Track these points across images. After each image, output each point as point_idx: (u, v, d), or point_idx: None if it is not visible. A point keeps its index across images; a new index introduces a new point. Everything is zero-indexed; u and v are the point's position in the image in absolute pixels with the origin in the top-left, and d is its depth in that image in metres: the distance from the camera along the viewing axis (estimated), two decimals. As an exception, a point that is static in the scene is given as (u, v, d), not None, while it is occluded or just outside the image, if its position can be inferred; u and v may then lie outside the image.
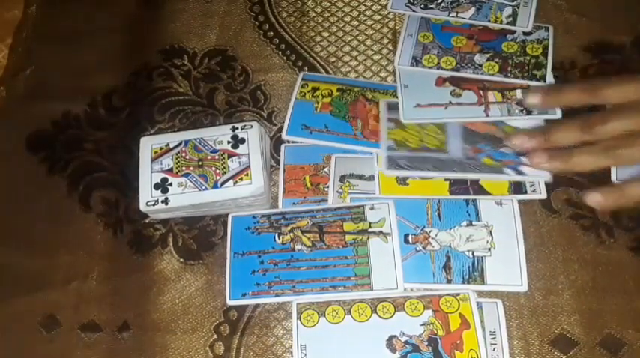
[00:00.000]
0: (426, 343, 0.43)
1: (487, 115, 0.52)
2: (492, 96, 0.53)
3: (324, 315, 0.45)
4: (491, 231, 0.48)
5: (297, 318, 0.45)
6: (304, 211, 0.50)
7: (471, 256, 0.47)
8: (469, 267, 0.47)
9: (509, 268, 0.47)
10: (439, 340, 0.43)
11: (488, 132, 0.52)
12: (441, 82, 0.55)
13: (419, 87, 0.54)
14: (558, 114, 0.51)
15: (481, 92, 0.54)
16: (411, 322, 0.44)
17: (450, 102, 0.53)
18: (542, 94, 0.51)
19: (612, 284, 0.46)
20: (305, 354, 0.44)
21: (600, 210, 0.48)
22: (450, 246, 0.48)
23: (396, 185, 0.51)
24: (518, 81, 0.54)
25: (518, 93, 0.53)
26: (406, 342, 0.43)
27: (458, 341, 0.43)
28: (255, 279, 0.47)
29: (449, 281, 0.46)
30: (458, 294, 0.45)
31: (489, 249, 0.47)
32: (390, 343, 0.44)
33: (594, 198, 0.47)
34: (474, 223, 0.49)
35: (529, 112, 0.52)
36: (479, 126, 0.52)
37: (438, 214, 0.49)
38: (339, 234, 0.48)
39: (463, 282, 0.46)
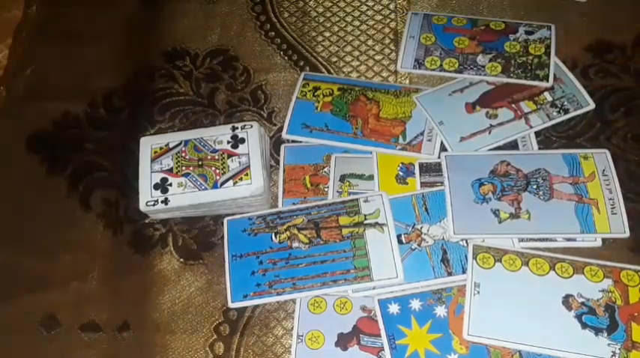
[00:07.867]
0: (603, 308, 0.44)
1: (530, 126, 0.52)
2: (525, 106, 0.53)
3: (501, 261, 0.46)
4: None
5: (473, 258, 0.46)
6: (299, 209, 0.50)
7: (465, 245, 0.47)
8: (466, 256, 0.46)
9: None
10: (616, 308, 0.44)
11: None
12: (470, 108, 0.53)
13: (453, 120, 0.53)
14: (592, 105, 0.52)
15: (514, 106, 0.53)
16: (590, 286, 0.45)
17: (491, 126, 0.52)
18: None
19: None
20: (478, 292, 0.45)
21: None
22: (443, 239, 0.48)
23: (396, 184, 0.51)
24: (522, 81, 0.54)
25: (547, 96, 0.53)
26: (583, 303, 0.44)
27: (636, 314, 0.43)
28: (255, 280, 0.47)
29: (449, 274, 0.46)
30: (639, 270, 0.45)
31: None
32: (567, 301, 0.44)
33: None
34: None
35: (566, 111, 0.52)
36: None
37: (425, 209, 0.49)
38: (335, 228, 0.48)
39: (463, 272, 0.46)
